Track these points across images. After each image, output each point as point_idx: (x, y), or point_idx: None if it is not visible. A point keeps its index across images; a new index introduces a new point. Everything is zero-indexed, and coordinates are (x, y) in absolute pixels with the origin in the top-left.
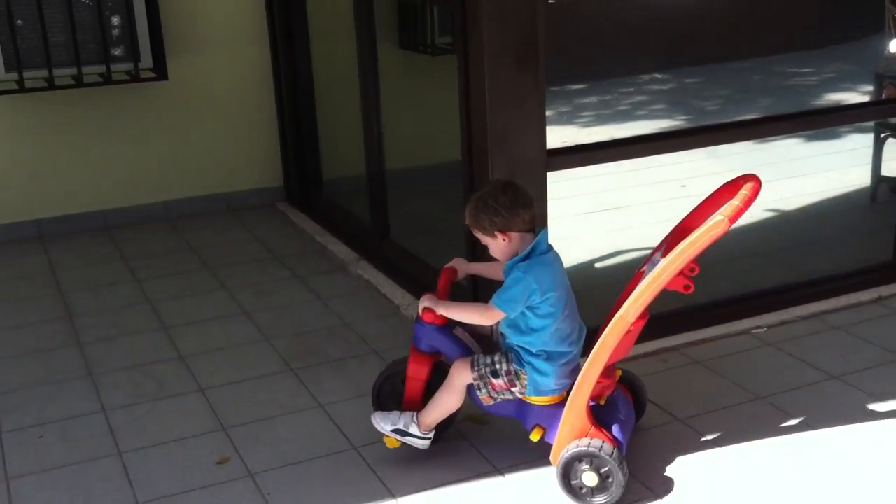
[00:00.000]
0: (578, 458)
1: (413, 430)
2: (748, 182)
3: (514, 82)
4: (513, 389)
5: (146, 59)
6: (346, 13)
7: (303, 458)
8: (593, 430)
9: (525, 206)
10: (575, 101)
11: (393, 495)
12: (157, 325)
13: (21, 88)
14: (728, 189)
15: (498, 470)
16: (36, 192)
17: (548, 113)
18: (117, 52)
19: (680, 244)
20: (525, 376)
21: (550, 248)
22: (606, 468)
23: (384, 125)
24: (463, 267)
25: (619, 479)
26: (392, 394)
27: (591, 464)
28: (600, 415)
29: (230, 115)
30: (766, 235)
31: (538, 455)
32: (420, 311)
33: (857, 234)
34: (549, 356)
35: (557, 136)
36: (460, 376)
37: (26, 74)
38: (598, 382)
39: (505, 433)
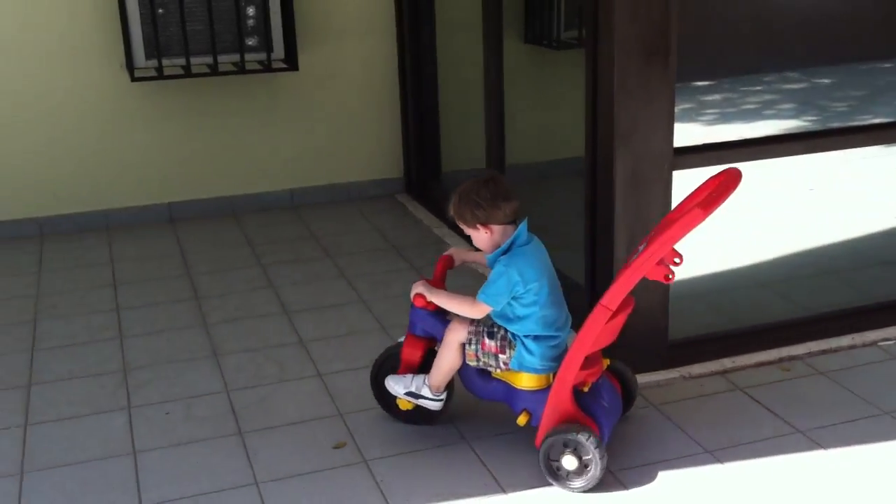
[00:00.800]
0: (559, 441)
1: (425, 391)
2: (729, 175)
3: (643, 77)
4: (500, 356)
5: (279, 50)
6: (473, 7)
7: (416, 448)
8: (577, 415)
9: (506, 199)
10: (703, 97)
11: (503, 490)
12: (278, 309)
13: (160, 75)
14: (712, 182)
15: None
16: (169, 176)
17: (676, 109)
18: (251, 42)
19: (658, 236)
20: (514, 349)
21: (531, 238)
22: (586, 453)
23: (506, 119)
24: (460, 255)
25: (597, 464)
26: (390, 374)
27: (571, 448)
28: (584, 401)
29: (355, 107)
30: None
31: None
32: (412, 295)
33: None
34: (537, 339)
35: (685, 133)
36: (456, 333)
37: (165, 62)
38: (582, 370)
39: None
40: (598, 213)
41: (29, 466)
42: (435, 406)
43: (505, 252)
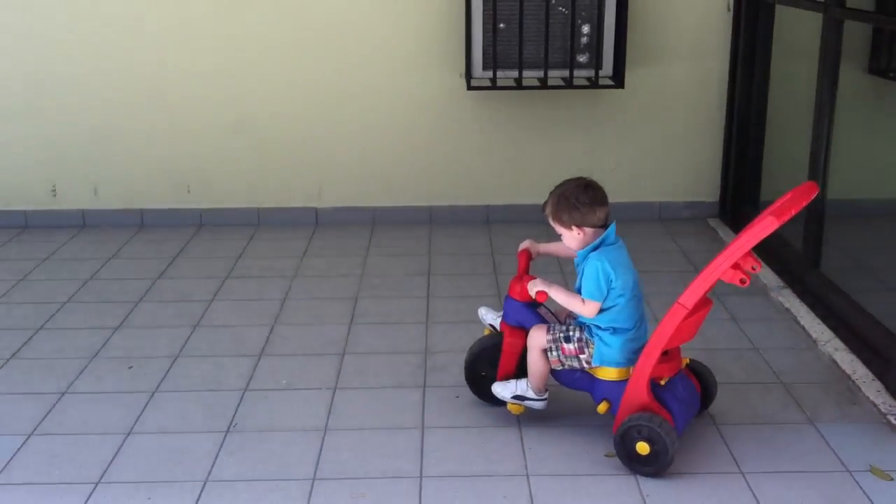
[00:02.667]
0: (636, 429)
1: (530, 394)
2: (807, 188)
3: None
4: (581, 357)
5: (607, 67)
6: (812, 33)
7: (683, 471)
8: (652, 405)
9: (601, 205)
10: None
11: None
12: None
13: (493, 86)
14: (794, 192)
15: None
16: (490, 180)
17: None
18: (582, 58)
19: (733, 242)
20: (593, 345)
21: (618, 239)
22: (658, 440)
23: (833, 151)
24: (535, 247)
25: (667, 451)
26: (484, 367)
27: (644, 434)
28: (660, 394)
29: (677, 127)
30: None
31: None
32: (534, 293)
33: None
34: (616, 331)
35: None
36: (536, 339)
37: (499, 74)
38: (659, 364)
39: None
40: None
41: (332, 424)
42: (540, 405)
43: (594, 249)
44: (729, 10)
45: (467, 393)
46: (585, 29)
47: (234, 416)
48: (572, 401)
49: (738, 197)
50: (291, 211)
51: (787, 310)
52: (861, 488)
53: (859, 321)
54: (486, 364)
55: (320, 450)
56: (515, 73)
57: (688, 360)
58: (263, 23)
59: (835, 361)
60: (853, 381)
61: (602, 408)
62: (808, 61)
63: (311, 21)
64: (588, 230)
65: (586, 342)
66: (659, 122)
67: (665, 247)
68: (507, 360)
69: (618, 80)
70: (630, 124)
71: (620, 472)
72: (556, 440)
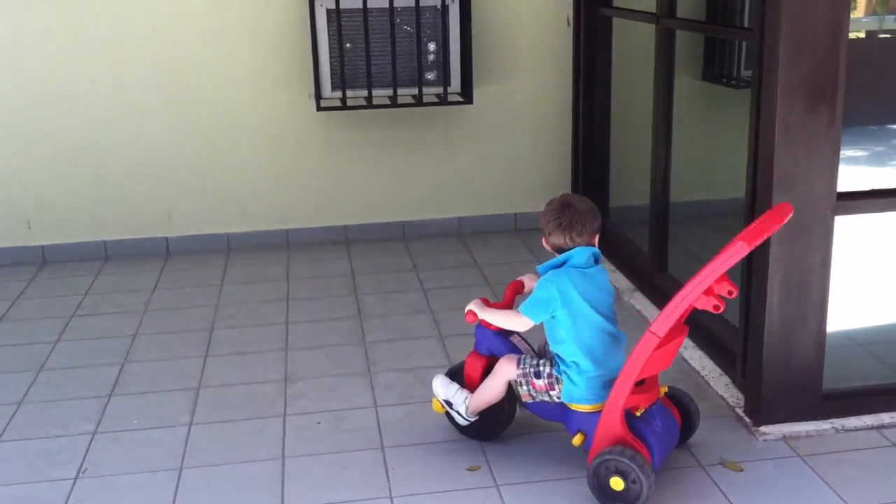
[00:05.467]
0: (610, 463)
1: (461, 408)
2: (778, 210)
3: (806, 121)
4: (551, 392)
5: (455, 84)
6: (649, 44)
7: (550, 479)
8: (627, 438)
9: (567, 230)
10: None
11: None
12: (433, 333)
13: (343, 106)
14: (767, 214)
15: None
16: (346, 200)
17: (852, 154)
18: (430, 76)
19: (705, 267)
20: (562, 383)
21: (593, 264)
22: (633, 475)
23: (672, 156)
24: (530, 283)
25: (644, 487)
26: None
27: (618, 470)
28: (636, 425)
29: (526, 140)
30: None
31: None
32: (465, 311)
33: None
34: (579, 368)
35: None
36: (505, 371)
37: (349, 93)
38: (633, 394)
39: None
40: (753, 257)
41: (188, 463)
42: (463, 423)
43: (555, 268)
44: (569, 24)
45: (328, 419)
46: (432, 47)
47: (83, 461)
48: (435, 420)
49: None
50: (140, 241)
51: (639, 312)
52: (714, 481)
53: (706, 318)
54: None
55: (176, 490)
56: (365, 93)
57: (666, 389)
58: (101, 44)
59: (685, 359)
60: (703, 378)
61: (577, 440)
62: (646, 70)
63: (152, 43)
64: (549, 248)
65: (556, 379)
66: (510, 135)
67: (522, 257)
68: (467, 384)
69: (466, 96)
70: (482, 138)
71: (483, 485)
72: (419, 459)
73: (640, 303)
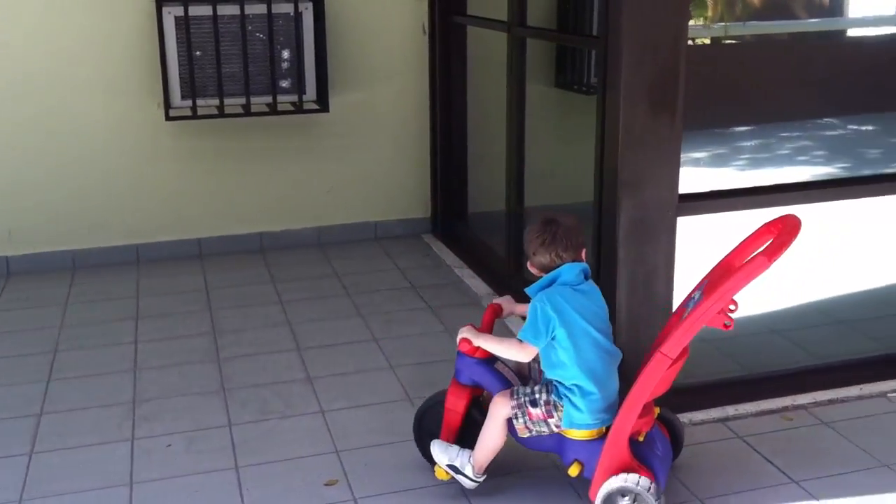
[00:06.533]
0: (619, 492)
1: (468, 470)
2: (788, 222)
3: (649, 126)
4: (549, 421)
5: (311, 92)
6: (502, 50)
7: (409, 488)
8: (633, 465)
9: (550, 247)
10: (738, 143)
11: None
12: (291, 346)
13: (194, 115)
14: (768, 229)
15: None
16: (199, 213)
17: (711, 154)
18: (285, 84)
19: (722, 285)
20: (562, 408)
21: (584, 280)
22: (645, 503)
23: (526, 162)
24: (509, 307)
25: None
26: (433, 424)
27: (630, 499)
28: (639, 451)
29: (385, 147)
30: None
31: None
32: (458, 340)
33: None
34: (582, 391)
35: (719, 177)
36: (500, 408)
37: (200, 102)
38: (637, 418)
39: None
40: (602, 259)
41: (28, 495)
42: (470, 486)
43: (544, 288)
44: (424, 32)
45: (180, 440)
46: (285, 54)
47: None
48: (290, 434)
49: (448, 212)
50: None
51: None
52: (570, 484)
53: None
54: (435, 423)
55: None
56: (217, 102)
57: (658, 410)
58: None
59: None
60: None
61: (574, 470)
62: (501, 78)
63: None
64: (534, 269)
65: (554, 405)
66: (368, 143)
67: (383, 266)
68: (449, 422)
69: (322, 104)
70: (340, 147)
71: (340, 500)
72: (275, 477)
73: None
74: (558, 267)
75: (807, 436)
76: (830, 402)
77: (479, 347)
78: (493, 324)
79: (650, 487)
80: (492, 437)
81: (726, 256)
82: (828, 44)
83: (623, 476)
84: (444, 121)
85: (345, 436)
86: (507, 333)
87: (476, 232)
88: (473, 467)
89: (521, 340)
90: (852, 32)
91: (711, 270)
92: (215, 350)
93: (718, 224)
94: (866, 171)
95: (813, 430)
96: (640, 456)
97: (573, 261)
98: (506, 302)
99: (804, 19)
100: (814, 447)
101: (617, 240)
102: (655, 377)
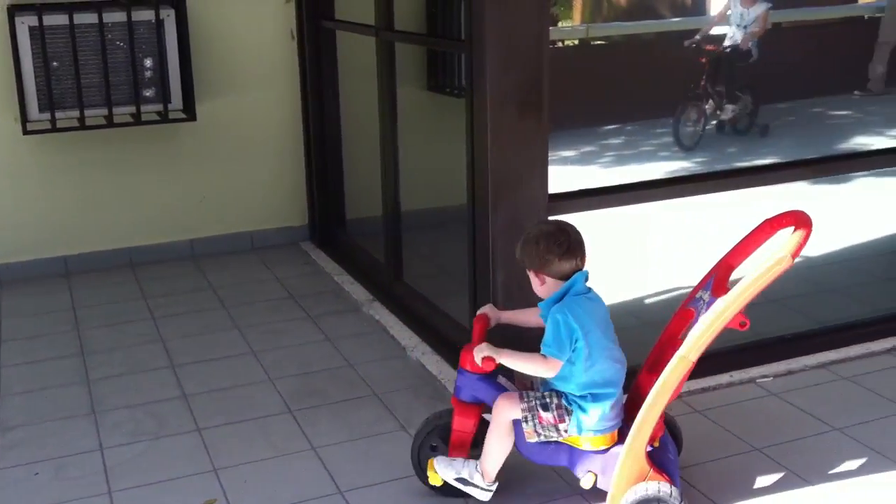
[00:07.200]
0: (644, 502)
1: (477, 479)
2: (799, 218)
3: (517, 127)
4: (560, 426)
5: (176, 101)
6: (372, 55)
7: (289, 502)
8: (652, 473)
9: (569, 255)
10: (606, 141)
11: None
12: (165, 363)
13: (53, 128)
14: (771, 225)
15: None
16: (64, 229)
17: (578, 153)
18: (149, 93)
19: (741, 282)
20: (573, 413)
21: (589, 289)
22: None
23: (401, 166)
24: (494, 314)
25: None
26: (434, 449)
27: None
28: (656, 457)
29: (257, 155)
30: (778, 281)
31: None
32: (479, 360)
33: (871, 282)
34: (595, 397)
35: (578, 179)
36: (506, 411)
37: (59, 115)
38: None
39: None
40: (478, 259)
41: None
42: (485, 497)
43: (558, 300)
44: (293, 37)
45: (48, 468)
46: (148, 62)
47: None
48: (166, 453)
49: (326, 218)
50: None
51: (378, 322)
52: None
53: (440, 323)
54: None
55: None
56: (77, 113)
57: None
58: None
59: (423, 365)
60: (440, 382)
61: (587, 482)
62: (373, 82)
63: None
64: (549, 280)
65: (566, 410)
66: (240, 152)
67: (260, 276)
68: (457, 443)
69: (189, 112)
70: (210, 156)
71: None
72: (149, 500)
73: (379, 313)
74: (573, 275)
75: (682, 425)
76: (703, 390)
77: (483, 363)
78: (485, 336)
79: (672, 493)
80: (499, 442)
81: (728, 254)
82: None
83: (644, 485)
84: (318, 126)
85: (223, 453)
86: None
87: (355, 238)
88: (482, 476)
89: (545, 356)
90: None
91: (714, 268)
92: (84, 371)
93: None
94: (720, 167)
95: (687, 419)
96: (657, 462)
97: (581, 268)
98: (490, 310)
99: (669, 18)
100: (688, 436)
101: (491, 240)
102: (676, 381)
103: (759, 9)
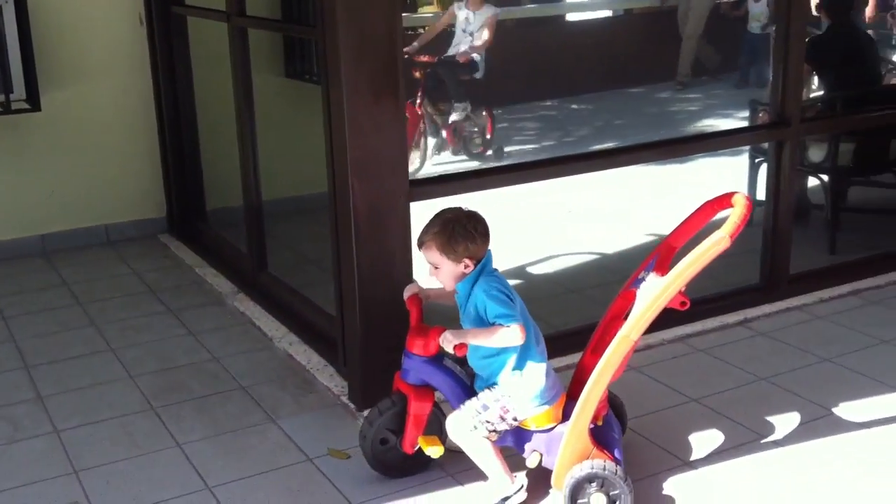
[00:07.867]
0: (587, 479)
1: (505, 487)
2: (738, 198)
3: (373, 113)
4: (506, 416)
5: (19, 91)
6: (225, 43)
7: (154, 501)
8: (595, 451)
9: (488, 236)
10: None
11: None
12: (18, 364)
13: None
14: (712, 206)
15: None
16: None
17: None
18: None
19: (681, 262)
20: (510, 398)
21: (496, 269)
22: (615, 489)
23: (261, 154)
24: (423, 293)
25: (626, 498)
26: (384, 443)
27: (599, 485)
28: (599, 435)
29: (108, 146)
30: (634, 257)
31: (394, 489)
32: (451, 349)
33: (724, 257)
34: (532, 366)
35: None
36: (461, 430)
37: None
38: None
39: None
40: (341, 247)
41: None
42: (521, 497)
43: (477, 277)
44: (142, 23)
45: None
46: None
47: None
48: (19, 461)
49: (185, 209)
50: None
51: (244, 314)
52: (322, 472)
53: (307, 312)
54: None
55: None
56: None
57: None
58: None
59: (290, 356)
60: (308, 371)
61: (533, 461)
62: (228, 69)
63: None
64: (470, 263)
65: (505, 399)
66: (90, 143)
67: (116, 271)
68: (414, 426)
69: (33, 102)
70: (58, 147)
71: None
72: None
73: (244, 305)
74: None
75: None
76: (562, 368)
77: (456, 350)
78: (422, 314)
79: (616, 471)
80: (481, 452)
81: (670, 235)
82: (552, 29)
83: (588, 463)
84: (172, 115)
85: (83, 455)
86: None
87: (216, 229)
88: (505, 482)
89: (503, 324)
90: (574, 17)
91: (657, 249)
92: None
93: None
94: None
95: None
96: (601, 440)
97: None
98: (418, 289)
99: (534, 4)
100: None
101: (352, 227)
102: (619, 360)
103: (487, 13)
